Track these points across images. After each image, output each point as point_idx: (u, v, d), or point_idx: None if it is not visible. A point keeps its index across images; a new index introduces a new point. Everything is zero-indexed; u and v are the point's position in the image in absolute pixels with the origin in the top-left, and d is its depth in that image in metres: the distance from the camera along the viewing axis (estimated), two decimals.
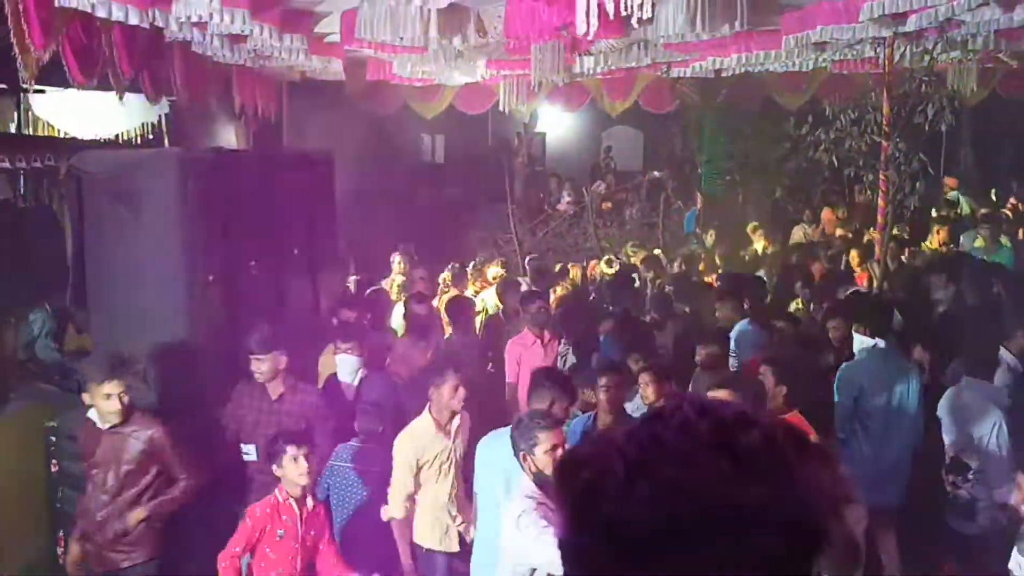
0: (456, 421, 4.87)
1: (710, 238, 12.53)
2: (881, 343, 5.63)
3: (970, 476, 5.00)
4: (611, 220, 15.00)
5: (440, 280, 9.26)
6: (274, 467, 4.24)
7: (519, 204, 14.88)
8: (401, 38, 6.50)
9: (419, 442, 4.75)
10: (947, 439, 5.24)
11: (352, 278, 9.20)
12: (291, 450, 4.18)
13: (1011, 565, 3.89)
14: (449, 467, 4.83)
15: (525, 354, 6.47)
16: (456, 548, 4.88)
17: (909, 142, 7.65)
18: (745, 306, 6.95)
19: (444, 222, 14.32)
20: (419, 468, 4.73)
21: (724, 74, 10.38)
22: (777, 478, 0.88)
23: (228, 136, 10.30)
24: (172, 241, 5.15)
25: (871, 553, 5.59)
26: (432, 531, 4.86)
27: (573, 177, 17.70)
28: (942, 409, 5.33)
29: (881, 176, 7.70)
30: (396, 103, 11.47)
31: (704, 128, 14.79)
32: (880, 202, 7.85)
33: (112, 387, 4.36)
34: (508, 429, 4.26)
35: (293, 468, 4.18)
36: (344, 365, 5.81)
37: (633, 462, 0.90)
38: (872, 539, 5.59)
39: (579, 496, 0.92)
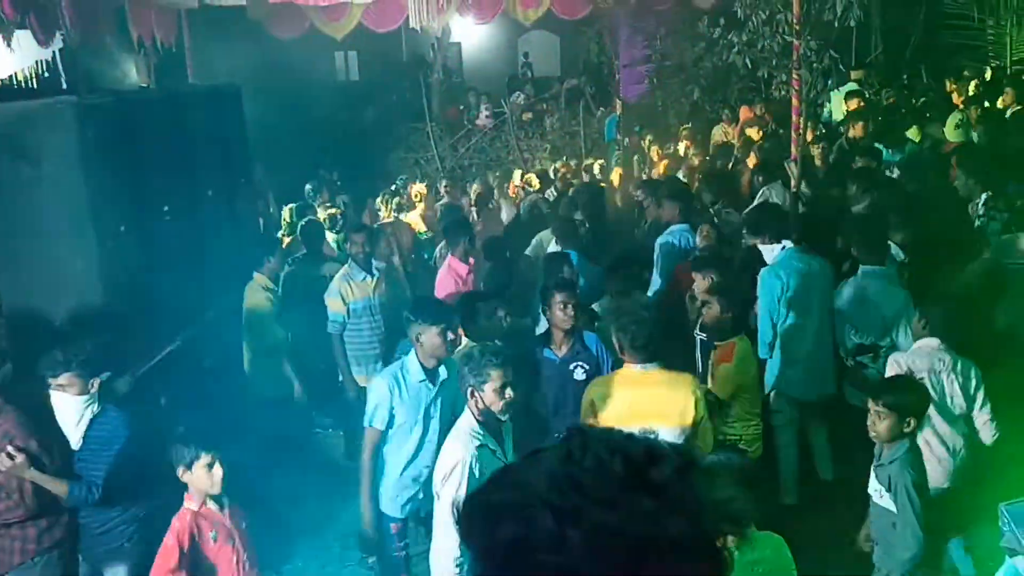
0: None
1: (646, 143, 12.55)
2: (788, 243, 5.76)
3: (881, 355, 5.26)
4: (532, 131, 14.91)
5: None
6: (180, 470, 3.75)
7: (438, 121, 14.66)
8: None
9: None
10: (853, 326, 5.49)
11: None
12: (204, 457, 3.71)
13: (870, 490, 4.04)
14: None
15: (461, 283, 6.52)
16: None
17: (820, 40, 7.67)
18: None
19: (363, 143, 14.06)
20: None
21: None
22: (692, 508, 0.96)
23: (129, 71, 9.84)
24: (77, 193, 4.93)
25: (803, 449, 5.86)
26: None
27: (491, 89, 17.46)
28: (844, 299, 5.54)
29: (794, 75, 7.73)
30: (302, 25, 11.09)
31: (620, 31, 14.65)
32: (794, 101, 7.89)
33: None
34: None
35: (205, 477, 3.73)
36: (63, 406, 4.28)
37: (560, 511, 0.93)
38: (804, 436, 5.85)
39: (509, 549, 0.95)
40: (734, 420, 5.01)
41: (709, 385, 5.01)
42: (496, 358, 3.78)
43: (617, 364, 4.55)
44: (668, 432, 4.17)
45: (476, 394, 3.77)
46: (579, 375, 4.96)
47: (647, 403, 4.19)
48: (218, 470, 3.73)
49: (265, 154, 9.51)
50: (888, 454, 3.85)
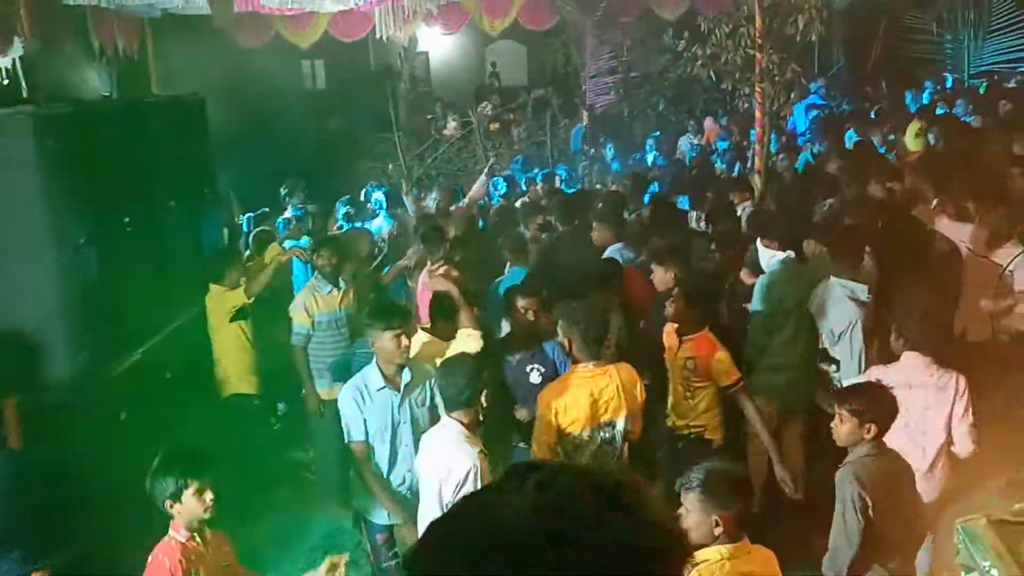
0: None
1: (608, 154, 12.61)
2: (792, 254, 5.80)
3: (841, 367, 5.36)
4: (500, 141, 14.93)
5: None
6: (167, 503, 3.53)
7: (405, 131, 14.62)
8: None
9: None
10: (821, 332, 5.57)
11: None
12: (193, 484, 3.51)
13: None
14: None
15: None
16: None
17: (782, 53, 7.79)
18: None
19: (331, 153, 13.99)
20: None
21: None
22: (659, 520, 1.03)
23: (91, 80, 9.72)
24: (34, 205, 4.84)
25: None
26: None
27: (458, 99, 17.47)
28: (811, 305, 5.62)
29: (757, 88, 7.84)
30: (267, 33, 11.04)
31: (586, 42, 14.74)
32: (757, 113, 8.01)
33: None
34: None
35: (196, 504, 3.52)
36: None
37: (553, 536, 0.96)
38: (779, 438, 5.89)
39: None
40: (703, 411, 5.04)
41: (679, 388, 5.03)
42: (481, 371, 3.99)
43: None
44: (622, 421, 4.34)
45: (474, 404, 3.93)
46: (534, 378, 5.00)
47: (606, 399, 4.31)
48: (209, 494, 3.54)
49: (230, 164, 9.42)
50: (848, 456, 3.92)
